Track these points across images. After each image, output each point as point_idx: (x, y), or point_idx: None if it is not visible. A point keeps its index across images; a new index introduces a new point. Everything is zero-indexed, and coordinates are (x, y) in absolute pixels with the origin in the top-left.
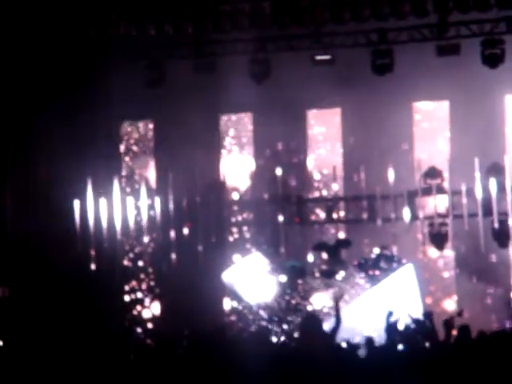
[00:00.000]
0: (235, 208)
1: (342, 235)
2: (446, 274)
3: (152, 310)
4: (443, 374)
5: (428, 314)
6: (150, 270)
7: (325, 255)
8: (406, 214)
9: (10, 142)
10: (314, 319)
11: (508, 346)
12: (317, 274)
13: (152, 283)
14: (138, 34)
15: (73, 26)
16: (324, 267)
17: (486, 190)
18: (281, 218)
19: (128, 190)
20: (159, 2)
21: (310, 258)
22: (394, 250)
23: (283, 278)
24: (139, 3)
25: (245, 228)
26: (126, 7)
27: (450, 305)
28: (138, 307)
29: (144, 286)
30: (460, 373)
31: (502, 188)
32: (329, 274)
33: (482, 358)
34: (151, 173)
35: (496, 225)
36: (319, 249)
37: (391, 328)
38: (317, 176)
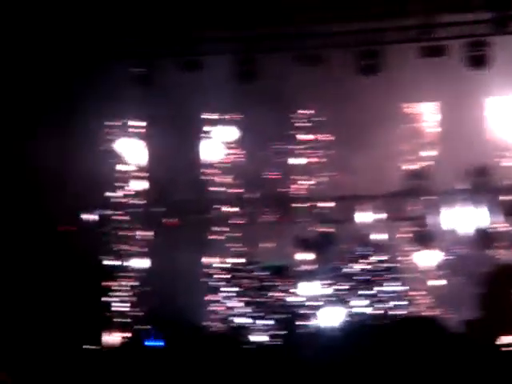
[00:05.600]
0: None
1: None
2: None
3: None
4: None
5: None
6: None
7: (307, 254)
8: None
9: None
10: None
11: None
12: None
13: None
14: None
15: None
16: (307, 267)
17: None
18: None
19: None
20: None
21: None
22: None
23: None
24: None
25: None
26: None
27: None
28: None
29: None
30: None
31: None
32: (311, 274)
33: None
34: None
35: None
36: (303, 246)
37: None
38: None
